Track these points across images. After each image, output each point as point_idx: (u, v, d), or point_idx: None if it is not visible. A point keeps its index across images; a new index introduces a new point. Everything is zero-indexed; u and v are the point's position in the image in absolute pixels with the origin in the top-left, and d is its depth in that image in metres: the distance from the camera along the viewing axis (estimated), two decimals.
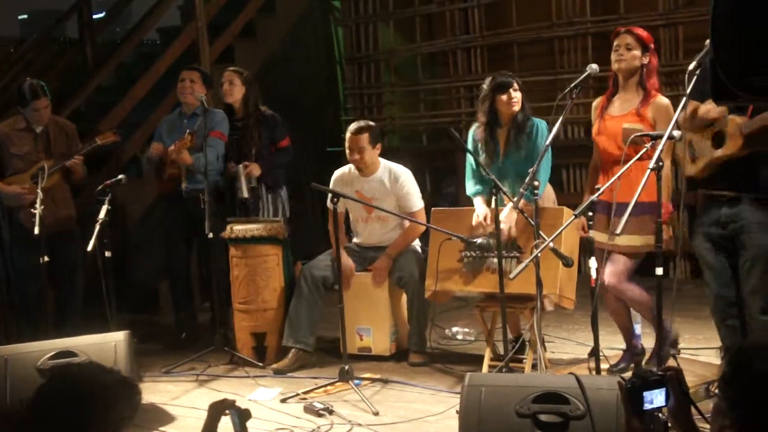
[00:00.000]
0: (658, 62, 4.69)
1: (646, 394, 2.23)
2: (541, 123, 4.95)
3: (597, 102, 4.78)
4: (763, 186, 3.98)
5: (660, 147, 3.80)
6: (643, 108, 4.52)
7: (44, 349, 4.42)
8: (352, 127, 5.47)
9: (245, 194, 5.84)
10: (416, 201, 5.48)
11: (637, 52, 4.54)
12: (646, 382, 2.24)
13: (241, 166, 5.85)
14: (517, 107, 4.93)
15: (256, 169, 5.86)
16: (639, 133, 4.23)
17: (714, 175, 4.08)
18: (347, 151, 5.47)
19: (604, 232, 4.43)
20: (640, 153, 4.01)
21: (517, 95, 4.93)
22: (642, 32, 4.58)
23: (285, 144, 6.03)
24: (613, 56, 4.59)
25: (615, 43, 4.60)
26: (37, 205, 5.11)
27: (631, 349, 4.87)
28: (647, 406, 2.23)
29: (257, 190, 5.94)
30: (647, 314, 4.59)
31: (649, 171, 3.77)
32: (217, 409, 2.81)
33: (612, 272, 4.58)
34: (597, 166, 4.76)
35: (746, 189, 3.99)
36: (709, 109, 3.95)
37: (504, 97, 4.91)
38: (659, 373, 2.28)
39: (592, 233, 4.41)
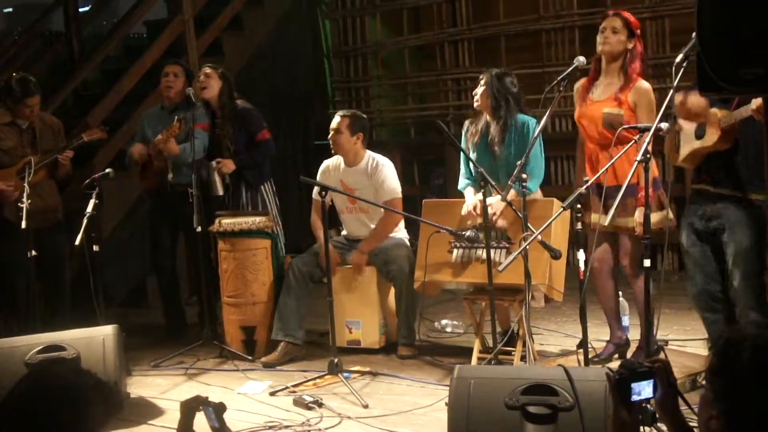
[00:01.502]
0: (643, 49, 4.69)
1: (634, 385, 2.24)
2: (530, 121, 4.95)
3: (579, 84, 4.80)
4: (741, 182, 4.01)
5: (647, 139, 3.81)
6: (623, 93, 4.54)
7: (32, 343, 4.43)
8: (342, 110, 5.55)
9: (219, 191, 5.80)
10: (391, 190, 5.46)
11: (623, 37, 4.55)
12: (634, 373, 2.25)
13: (213, 162, 5.79)
14: (479, 106, 5.01)
15: (228, 166, 5.79)
16: (629, 126, 4.24)
17: (699, 168, 4.11)
18: (330, 130, 5.53)
19: (598, 212, 4.46)
20: (628, 146, 4.02)
21: (480, 93, 4.98)
22: (630, 17, 4.60)
23: (262, 137, 5.91)
24: (599, 38, 4.60)
25: (602, 26, 4.61)
26: (24, 199, 5.09)
27: (616, 339, 4.89)
28: (635, 398, 2.24)
29: (236, 187, 5.90)
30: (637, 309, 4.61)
31: (636, 163, 3.78)
32: (189, 407, 2.74)
33: (625, 253, 4.60)
34: (582, 146, 4.79)
35: (726, 185, 4.01)
36: (698, 101, 3.98)
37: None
38: (647, 364, 2.29)
39: (579, 225, 4.43)
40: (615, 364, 4.76)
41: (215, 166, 5.79)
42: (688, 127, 4.13)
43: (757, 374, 1.90)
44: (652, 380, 2.25)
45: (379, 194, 5.43)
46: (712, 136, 3.94)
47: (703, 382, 2.11)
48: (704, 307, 4.28)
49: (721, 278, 4.23)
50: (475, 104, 5.03)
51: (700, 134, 4.04)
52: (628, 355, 4.82)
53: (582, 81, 4.79)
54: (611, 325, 4.92)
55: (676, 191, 6.08)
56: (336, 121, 5.47)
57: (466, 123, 5.19)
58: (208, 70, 5.93)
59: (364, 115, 5.64)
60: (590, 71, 4.72)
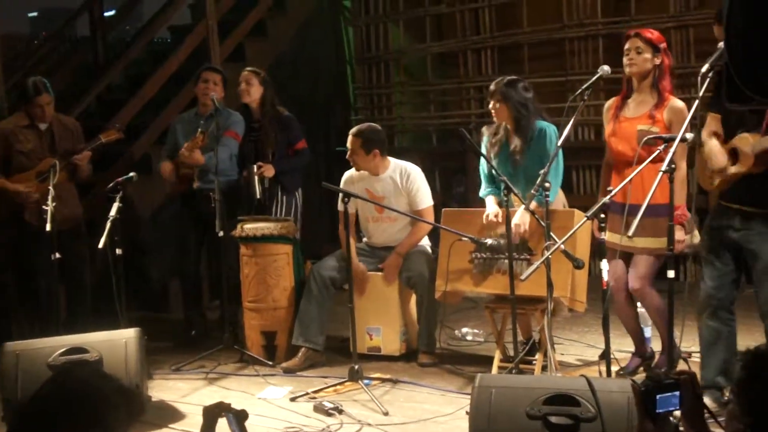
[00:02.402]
0: (671, 61, 4.67)
1: (659, 397, 2.23)
2: (549, 127, 4.94)
3: (610, 103, 4.78)
4: None
5: (672, 149, 3.80)
6: (658, 111, 4.52)
7: (55, 345, 4.45)
8: (354, 128, 5.54)
9: (258, 195, 5.88)
10: (426, 198, 5.49)
11: (648, 55, 4.53)
12: (660, 385, 2.24)
13: (254, 166, 5.88)
14: (497, 119, 4.97)
15: (269, 170, 5.90)
16: (652, 136, 4.22)
17: (729, 188, 4.08)
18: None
19: (618, 232, 4.44)
20: (653, 155, 4.00)
21: (496, 107, 4.95)
22: (650, 34, 4.57)
23: (301, 146, 6.06)
24: (625, 60, 4.59)
25: (625, 47, 4.60)
26: (49, 202, 5.12)
27: (641, 353, 4.87)
28: (660, 409, 2.23)
29: (271, 191, 5.96)
30: (662, 322, 4.57)
31: (661, 173, 3.77)
32: (212, 413, 2.76)
33: (636, 276, 4.59)
34: (609, 165, 4.76)
35: (759, 205, 3.99)
36: (714, 152, 3.97)
37: (490, 106, 4.96)
38: (673, 376, 2.28)
39: (606, 235, 4.41)
40: (640, 377, 4.77)
41: (256, 170, 5.85)
42: (716, 151, 4.09)
43: None
44: (677, 392, 2.24)
45: (413, 202, 5.45)
46: (746, 161, 3.91)
47: (730, 396, 2.09)
48: (707, 311, 4.24)
49: (734, 290, 4.20)
50: (495, 119, 5.00)
51: (734, 160, 4.02)
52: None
53: (613, 100, 4.77)
54: (635, 340, 4.89)
55: (699, 202, 6.04)
56: (349, 141, 5.45)
57: (485, 131, 5.15)
58: (250, 76, 5.96)
59: (378, 127, 5.58)
60: (622, 90, 4.71)
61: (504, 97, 4.91)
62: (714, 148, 4.04)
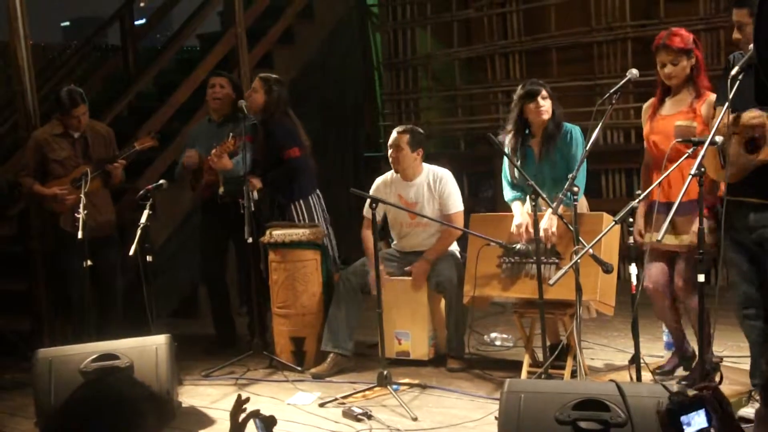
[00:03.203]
0: (702, 54, 4.64)
1: (683, 417, 2.19)
2: (574, 129, 4.92)
3: (648, 104, 4.74)
4: None
5: (701, 153, 3.76)
6: (698, 103, 4.49)
7: (87, 351, 4.50)
8: (399, 126, 5.57)
9: (251, 208, 5.50)
10: (457, 203, 5.50)
11: (684, 62, 4.50)
12: (681, 405, 2.20)
13: (246, 178, 5.63)
14: (546, 116, 4.92)
15: (254, 183, 5.67)
16: (681, 140, 4.16)
17: (740, 181, 4.03)
18: (388, 149, 5.53)
19: (674, 232, 4.42)
20: (682, 159, 3.96)
21: (545, 103, 4.91)
22: (678, 41, 4.49)
23: (290, 155, 5.76)
24: (662, 74, 4.55)
25: (659, 60, 4.55)
26: (81, 210, 5.18)
27: (682, 352, 4.83)
28: (687, 429, 2.19)
29: (265, 203, 5.85)
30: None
31: (690, 177, 3.73)
32: (238, 418, 2.73)
33: (681, 277, 4.54)
34: (648, 166, 4.72)
35: None
36: (753, 116, 3.90)
37: (532, 105, 4.90)
38: (695, 392, 2.24)
39: (651, 235, 4.40)
40: (677, 376, 4.73)
41: (246, 182, 5.61)
42: (728, 144, 4.04)
43: None
44: (702, 409, 2.20)
45: (444, 207, 5.46)
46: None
47: (757, 398, 2.06)
48: (746, 313, 4.20)
49: (760, 286, 4.15)
50: (545, 117, 4.91)
51: (752, 149, 3.96)
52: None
53: (650, 101, 4.74)
54: (676, 339, 4.85)
55: (707, 201, 5.97)
56: (394, 138, 5.48)
57: (508, 137, 5.07)
58: (257, 83, 5.92)
59: (420, 129, 5.65)
60: (657, 92, 4.67)
61: (549, 94, 4.93)
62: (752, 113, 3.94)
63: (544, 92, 4.91)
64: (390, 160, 5.54)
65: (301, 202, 5.88)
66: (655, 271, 4.62)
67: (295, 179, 5.83)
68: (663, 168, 4.21)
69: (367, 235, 5.51)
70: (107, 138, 5.95)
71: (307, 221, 5.83)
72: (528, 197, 4.78)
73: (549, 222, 4.75)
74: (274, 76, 6.00)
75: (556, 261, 4.77)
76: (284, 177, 5.80)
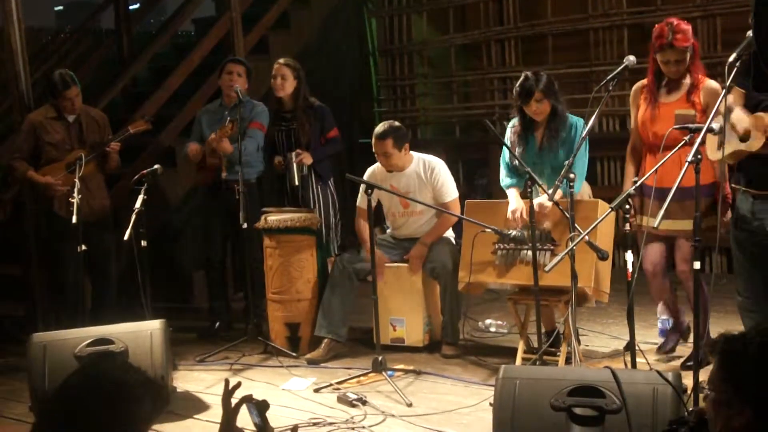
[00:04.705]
0: (697, 42, 4.66)
1: None
2: (579, 121, 4.89)
3: (638, 87, 4.73)
4: None
5: (698, 140, 3.76)
6: (695, 94, 4.50)
7: (81, 336, 4.49)
8: (376, 130, 5.44)
9: (296, 182, 5.89)
10: (451, 191, 5.49)
11: (687, 57, 4.55)
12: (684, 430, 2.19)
13: (293, 153, 5.88)
14: (541, 117, 4.89)
15: (307, 158, 5.90)
16: (679, 126, 4.16)
17: (739, 170, 4.03)
18: (375, 155, 5.48)
19: (670, 217, 4.42)
20: (680, 144, 3.95)
21: (539, 106, 4.85)
22: (683, 39, 4.48)
23: (333, 135, 6.07)
24: (666, 70, 4.56)
25: (663, 58, 4.54)
26: (75, 194, 5.17)
27: (679, 326, 4.87)
28: None
29: (307, 179, 5.98)
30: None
31: (687, 164, 3.73)
32: (230, 403, 2.71)
33: (682, 259, 4.57)
34: (637, 150, 4.73)
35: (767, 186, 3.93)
36: (740, 118, 3.89)
37: (526, 106, 4.88)
38: (695, 415, 2.22)
39: (642, 218, 4.41)
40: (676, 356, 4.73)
41: (295, 158, 5.86)
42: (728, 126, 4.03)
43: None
44: None
45: (438, 196, 5.43)
46: (758, 141, 3.85)
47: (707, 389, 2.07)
48: (743, 303, 4.20)
49: (762, 278, 4.15)
50: (540, 118, 4.89)
51: (744, 137, 3.96)
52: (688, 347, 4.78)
53: (640, 83, 4.73)
54: (673, 313, 4.91)
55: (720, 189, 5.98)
56: (378, 146, 5.38)
57: (513, 122, 5.08)
58: (284, 70, 5.94)
59: (397, 123, 5.55)
60: (650, 78, 4.66)
61: (546, 94, 4.84)
62: (740, 112, 3.94)
63: (537, 94, 4.81)
64: (379, 163, 5.51)
65: (333, 180, 6.13)
66: (653, 251, 4.66)
67: (334, 156, 6.18)
68: (661, 150, 4.22)
69: (362, 225, 5.49)
70: (101, 122, 5.94)
71: (337, 201, 6.10)
72: (525, 183, 4.75)
73: (541, 204, 4.72)
74: (294, 61, 6.08)
75: (552, 247, 4.77)
76: (331, 154, 6.12)
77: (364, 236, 5.43)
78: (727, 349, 2.03)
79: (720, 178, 4.35)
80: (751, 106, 3.97)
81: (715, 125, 3.83)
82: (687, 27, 4.56)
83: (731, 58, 3.74)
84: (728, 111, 3.87)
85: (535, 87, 4.82)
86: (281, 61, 6.06)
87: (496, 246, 4.93)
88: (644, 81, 4.76)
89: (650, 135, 4.64)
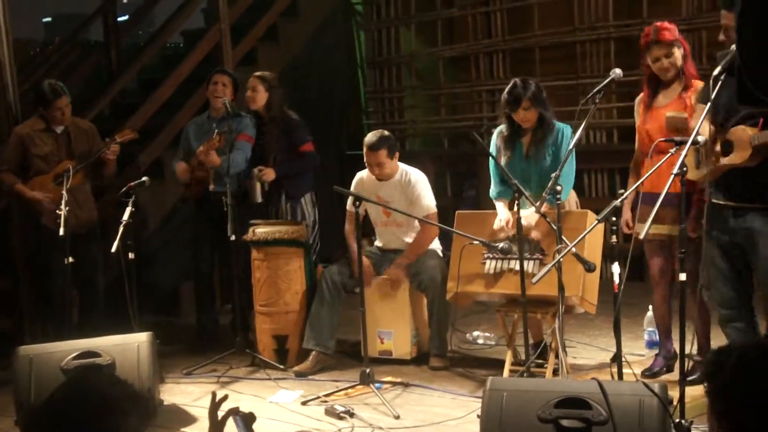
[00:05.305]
0: (687, 44, 4.71)
1: None
2: (566, 128, 4.91)
3: (639, 99, 4.77)
4: (766, 195, 3.95)
5: (684, 153, 3.78)
6: (686, 94, 4.53)
7: (68, 349, 4.48)
8: (368, 141, 5.42)
9: (258, 199, 5.88)
10: (425, 206, 5.44)
11: (677, 53, 4.57)
12: None
13: (255, 170, 5.87)
14: (528, 125, 4.91)
15: (269, 174, 5.87)
16: (664, 139, 4.17)
17: (719, 184, 4.04)
18: (366, 165, 5.48)
19: (662, 222, 4.46)
20: (666, 156, 3.96)
21: (528, 114, 4.86)
22: (668, 34, 4.53)
23: (307, 149, 6.00)
24: (656, 68, 4.58)
25: (652, 56, 4.57)
26: (63, 206, 5.15)
27: (664, 353, 4.86)
28: None
29: (273, 197, 5.96)
30: (698, 323, 4.55)
31: (672, 176, 3.75)
32: (217, 415, 2.71)
33: (689, 270, 4.56)
34: (638, 163, 4.75)
35: (752, 200, 3.95)
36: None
37: (514, 114, 4.90)
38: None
39: (639, 226, 4.43)
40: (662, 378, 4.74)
41: (257, 173, 5.86)
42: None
43: (740, 377, 1.98)
44: None
45: (414, 209, 5.40)
46: (742, 153, 3.87)
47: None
48: (725, 314, 4.22)
49: (743, 289, 4.16)
50: (528, 125, 4.90)
51: (726, 150, 3.98)
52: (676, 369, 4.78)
53: (641, 96, 4.77)
54: (663, 334, 4.89)
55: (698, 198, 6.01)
56: (372, 156, 5.38)
57: (501, 129, 5.07)
58: (255, 82, 5.98)
59: (386, 132, 5.57)
60: (645, 87, 4.70)
61: (534, 102, 4.84)
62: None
63: (525, 102, 4.82)
64: (371, 173, 5.51)
65: (312, 194, 6.08)
66: (658, 261, 4.67)
67: (306, 172, 6.07)
68: (650, 157, 4.24)
69: (349, 230, 5.51)
70: (90, 133, 5.92)
71: (314, 214, 6.02)
72: (512, 195, 4.76)
73: (528, 218, 4.74)
74: (269, 74, 6.09)
75: (540, 258, 4.78)
76: (300, 170, 6.01)
77: (351, 242, 5.44)
78: (710, 361, 2.05)
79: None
80: (717, 121, 4.00)
81: (701, 138, 3.85)
82: (672, 25, 4.61)
83: (715, 72, 3.78)
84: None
85: (523, 95, 4.83)
86: (256, 74, 6.09)
87: (485, 257, 4.94)
88: (643, 93, 4.79)
89: (644, 138, 4.67)
